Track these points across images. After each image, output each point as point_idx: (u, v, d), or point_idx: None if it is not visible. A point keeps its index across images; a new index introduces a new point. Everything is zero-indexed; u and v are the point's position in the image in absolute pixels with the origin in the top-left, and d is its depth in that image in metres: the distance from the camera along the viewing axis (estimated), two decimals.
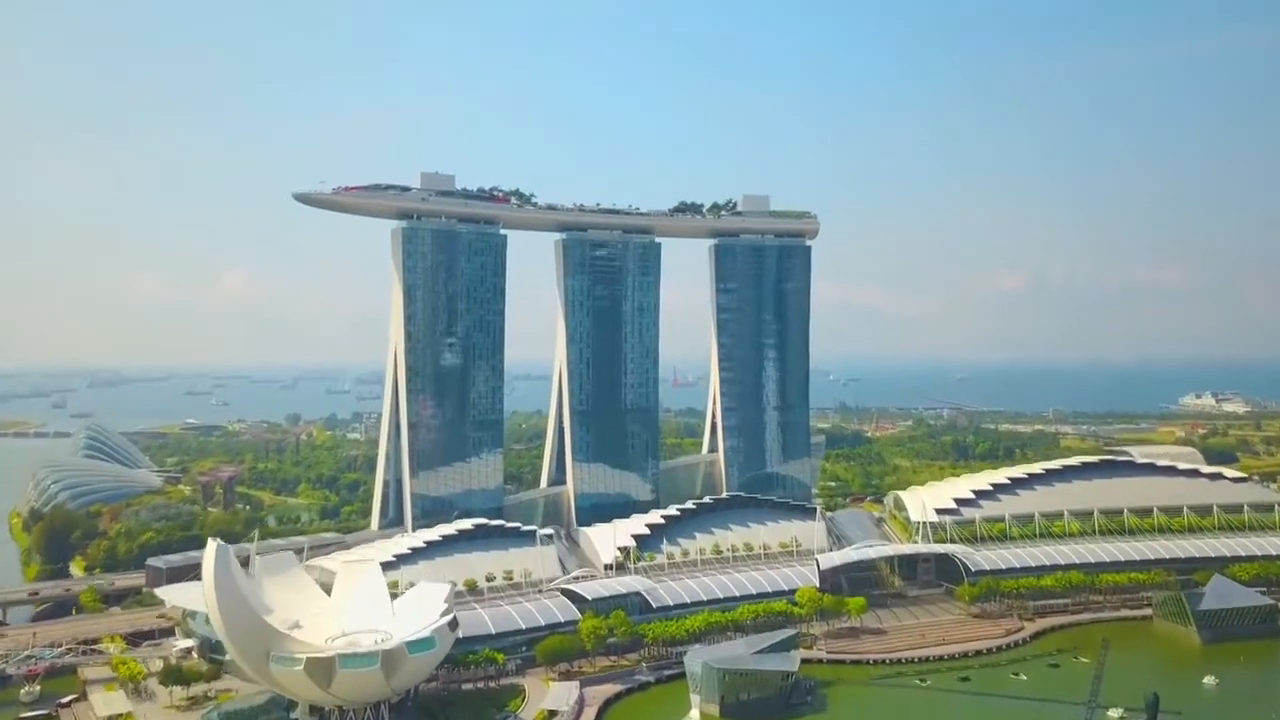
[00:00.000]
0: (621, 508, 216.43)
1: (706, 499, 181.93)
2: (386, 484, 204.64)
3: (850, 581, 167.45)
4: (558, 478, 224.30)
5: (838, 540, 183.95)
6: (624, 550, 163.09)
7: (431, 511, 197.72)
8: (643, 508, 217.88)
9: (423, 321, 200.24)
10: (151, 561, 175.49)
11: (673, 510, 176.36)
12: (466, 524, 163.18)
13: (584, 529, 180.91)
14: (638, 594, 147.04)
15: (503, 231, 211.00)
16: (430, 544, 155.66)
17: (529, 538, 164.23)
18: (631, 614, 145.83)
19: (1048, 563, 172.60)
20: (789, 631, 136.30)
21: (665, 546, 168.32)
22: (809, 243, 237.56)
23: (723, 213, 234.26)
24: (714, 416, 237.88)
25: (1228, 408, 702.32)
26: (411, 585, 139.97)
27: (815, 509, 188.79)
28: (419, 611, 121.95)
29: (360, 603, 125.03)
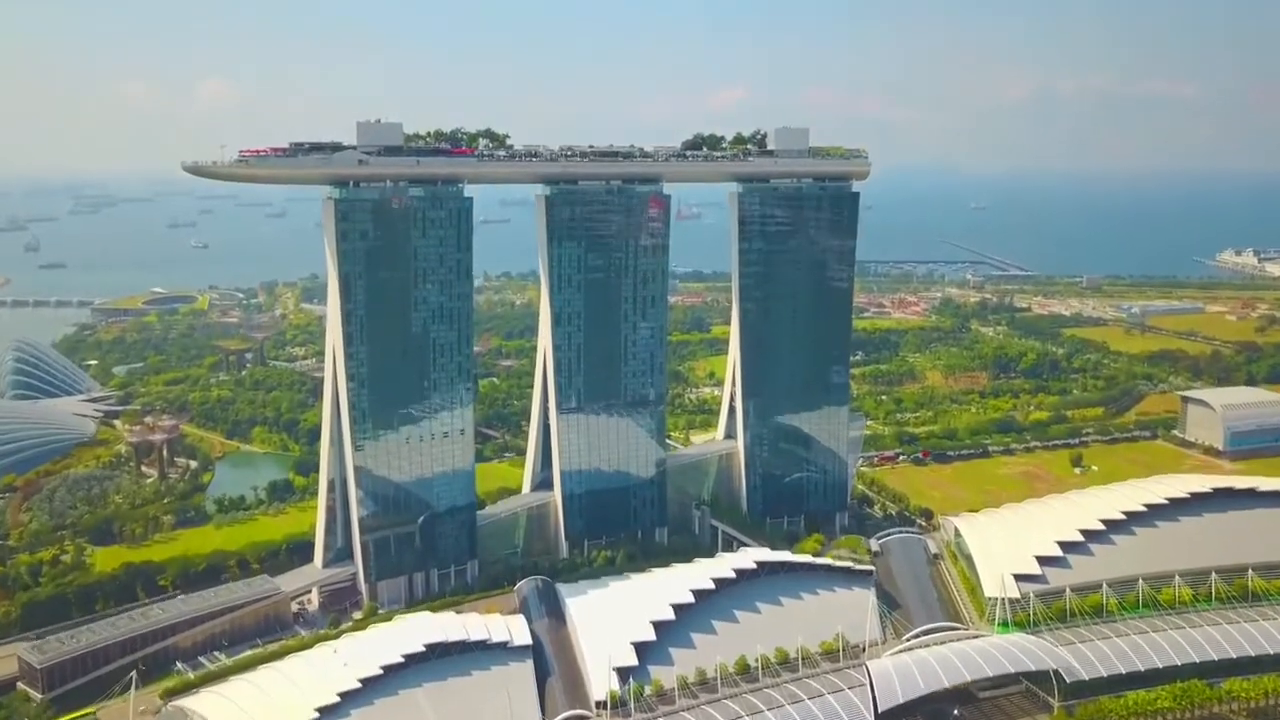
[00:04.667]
0: (618, 520, 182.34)
1: (729, 571, 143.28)
2: (332, 505, 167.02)
3: None
4: (544, 478, 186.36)
5: (887, 609, 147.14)
6: (623, 674, 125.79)
7: (388, 519, 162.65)
8: (646, 523, 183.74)
9: (366, 317, 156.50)
10: (25, 653, 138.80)
11: (686, 594, 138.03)
12: (416, 642, 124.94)
13: (571, 601, 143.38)
14: None
15: (468, 194, 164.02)
16: (368, 682, 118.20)
17: (497, 653, 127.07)
18: None
19: (1159, 663, 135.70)
20: None
21: (677, 656, 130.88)
22: (857, 187, 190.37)
23: (749, 148, 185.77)
24: (732, 398, 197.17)
25: (1271, 269, 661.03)
26: None
27: (866, 572, 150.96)
28: None
29: None
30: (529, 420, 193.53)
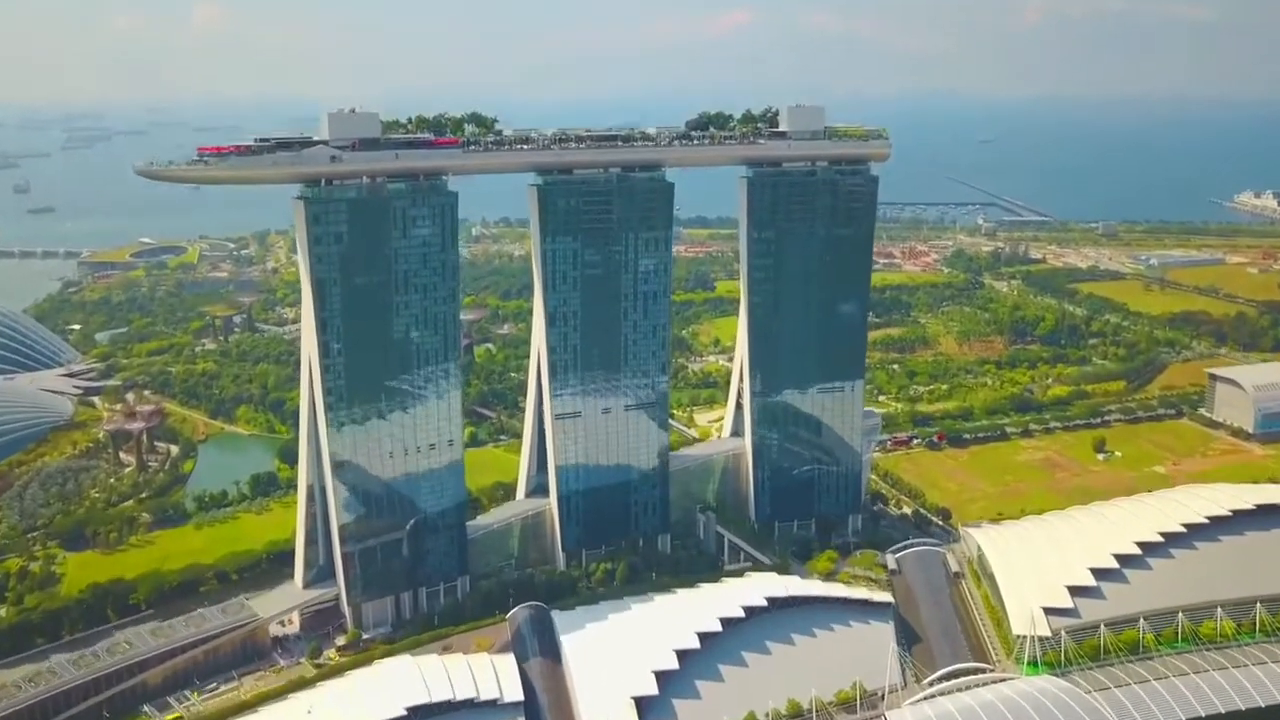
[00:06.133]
0: (618, 529, 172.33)
1: (738, 609, 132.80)
2: (312, 517, 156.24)
3: None
4: (539, 482, 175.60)
5: (907, 645, 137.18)
6: None
7: (371, 536, 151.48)
8: (647, 531, 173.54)
9: (344, 325, 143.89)
10: None
11: (691, 639, 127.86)
12: (397, 704, 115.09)
13: (567, 639, 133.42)
14: None
15: (453, 187, 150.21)
16: None
17: (486, 713, 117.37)
18: None
19: (1202, 711, 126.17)
20: None
21: (682, 711, 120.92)
22: (875, 170, 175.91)
23: (760, 128, 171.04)
24: (739, 394, 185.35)
25: None
26: None
27: (884, 604, 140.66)
28: None
29: None
30: (525, 396, 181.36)
